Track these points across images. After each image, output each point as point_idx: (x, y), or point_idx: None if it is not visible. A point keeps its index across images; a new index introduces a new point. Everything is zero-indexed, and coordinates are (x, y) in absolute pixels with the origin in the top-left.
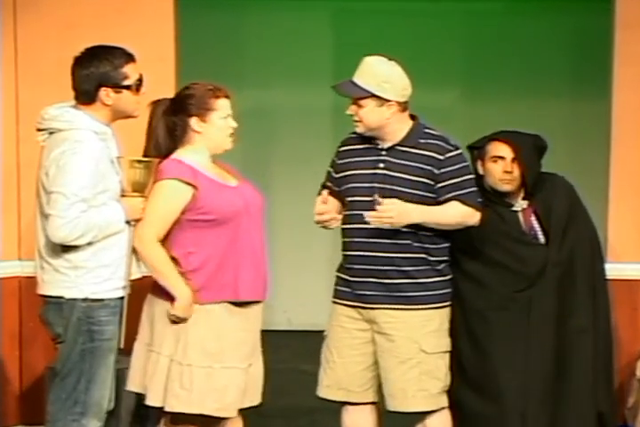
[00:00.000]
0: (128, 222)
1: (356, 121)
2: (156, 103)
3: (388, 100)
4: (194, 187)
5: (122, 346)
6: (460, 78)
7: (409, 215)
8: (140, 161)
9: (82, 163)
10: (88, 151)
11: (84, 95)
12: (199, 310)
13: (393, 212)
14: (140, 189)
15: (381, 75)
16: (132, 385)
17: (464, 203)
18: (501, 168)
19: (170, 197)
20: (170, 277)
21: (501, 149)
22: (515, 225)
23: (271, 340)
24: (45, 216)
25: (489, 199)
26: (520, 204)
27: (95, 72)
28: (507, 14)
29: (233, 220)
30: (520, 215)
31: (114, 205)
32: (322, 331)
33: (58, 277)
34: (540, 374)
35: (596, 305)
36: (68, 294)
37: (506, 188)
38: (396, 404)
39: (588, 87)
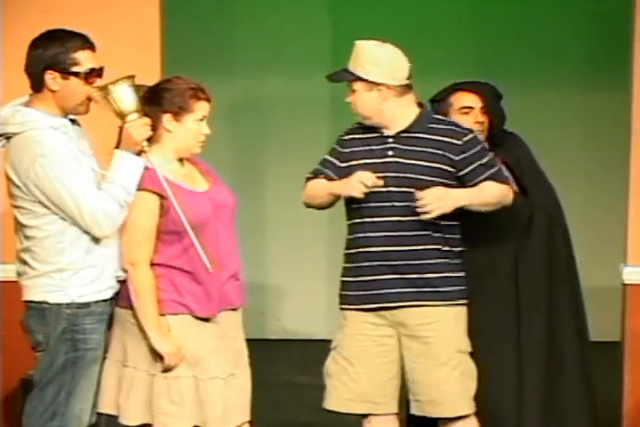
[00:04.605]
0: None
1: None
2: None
3: (378, 84)
4: (162, 197)
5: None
6: (468, 67)
7: (455, 198)
8: (113, 83)
9: (57, 166)
10: (54, 150)
11: (33, 80)
12: (166, 321)
13: (434, 196)
14: (131, 110)
15: (366, 57)
16: (105, 406)
17: (498, 181)
18: (472, 119)
19: (144, 211)
20: (146, 307)
21: (469, 99)
22: None
23: (264, 350)
24: (24, 229)
25: None
26: None
27: (43, 53)
28: None
29: (197, 230)
30: None
31: (116, 159)
32: (319, 340)
33: (41, 281)
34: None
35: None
36: (52, 299)
37: None
38: (440, 410)
39: (604, 77)
